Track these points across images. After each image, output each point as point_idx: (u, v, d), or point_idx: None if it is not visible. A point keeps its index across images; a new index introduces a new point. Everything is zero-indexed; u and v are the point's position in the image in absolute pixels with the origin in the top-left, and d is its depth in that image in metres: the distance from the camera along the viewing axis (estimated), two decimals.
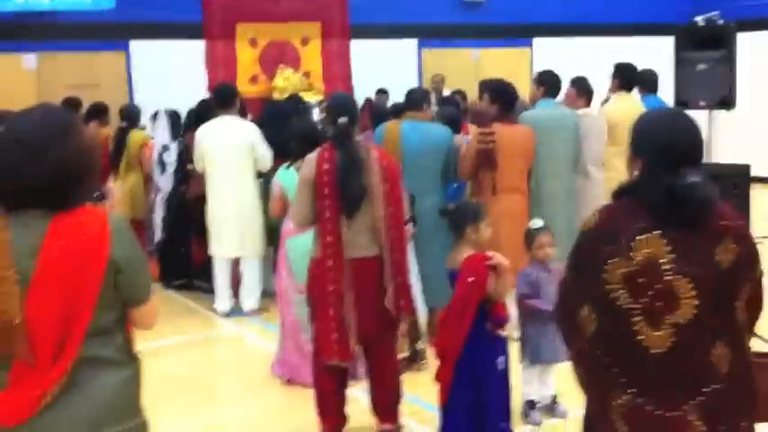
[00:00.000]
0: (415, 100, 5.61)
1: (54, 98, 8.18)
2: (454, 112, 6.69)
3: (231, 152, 6.21)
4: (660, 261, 2.08)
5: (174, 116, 7.21)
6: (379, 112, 6.85)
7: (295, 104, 7.48)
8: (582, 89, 6.23)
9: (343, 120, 3.97)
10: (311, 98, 9.23)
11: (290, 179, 4.74)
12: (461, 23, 11.50)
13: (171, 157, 6.92)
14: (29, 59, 8.73)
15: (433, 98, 9.90)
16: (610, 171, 6.11)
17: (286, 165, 4.98)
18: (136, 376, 2.21)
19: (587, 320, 2.17)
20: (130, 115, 7.80)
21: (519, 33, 12.00)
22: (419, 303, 4.87)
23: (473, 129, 6.97)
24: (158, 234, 7.11)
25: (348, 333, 3.92)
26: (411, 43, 11.29)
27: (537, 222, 4.48)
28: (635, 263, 2.09)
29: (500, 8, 11.60)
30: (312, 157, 3.99)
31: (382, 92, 10.24)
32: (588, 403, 2.28)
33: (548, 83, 6.00)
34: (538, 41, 12.26)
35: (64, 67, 8.89)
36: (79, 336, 2.03)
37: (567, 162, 5.90)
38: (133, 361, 2.22)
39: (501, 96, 5.63)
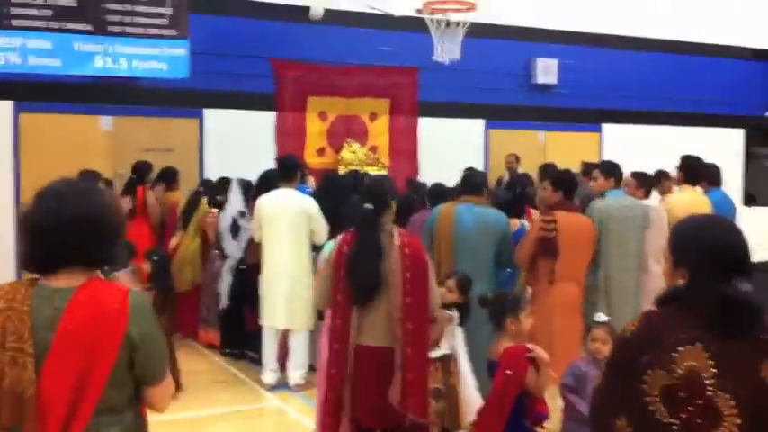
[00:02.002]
0: (474, 184, 5.58)
1: (128, 160, 8.49)
2: (509, 196, 6.64)
3: (287, 223, 6.26)
4: (702, 375, 1.99)
5: (246, 185, 7.29)
6: (438, 191, 6.80)
7: (353, 179, 7.50)
8: (643, 181, 6.12)
9: (367, 206, 3.95)
10: (377, 173, 9.28)
11: None
12: (530, 105, 11.47)
13: (248, 224, 6.92)
14: (105, 121, 9.03)
15: (505, 177, 9.93)
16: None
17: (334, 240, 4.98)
18: None
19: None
20: (208, 184, 8.02)
21: (588, 118, 11.91)
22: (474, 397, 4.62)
23: (535, 214, 6.90)
24: (224, 302, 7.11)
25: (341, 418, 3.81)
26: (478, 123, 11.31)
27: (600, 316, 4.35)
28: (676, 375, 1.99)
29: (571, 91, 11.55)
30: (339, 238, 3.98)
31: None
32: None
33: (617, 175, 5.93)
34: (607, 127, 12.14)
35: (139, 130, 9.17)
36: (87, 412, 2.03)
37: (636, 254, 5.77)
38: None
39: (563, 184, 5.55)
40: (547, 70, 11.37)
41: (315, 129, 10.24)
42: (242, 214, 7.03)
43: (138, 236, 7.35)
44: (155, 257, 6.20)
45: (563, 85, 11.50)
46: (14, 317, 2.04)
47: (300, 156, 9.88)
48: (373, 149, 10.42)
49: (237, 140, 9.43)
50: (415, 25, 9.80)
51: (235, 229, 7.03)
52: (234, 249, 7.07)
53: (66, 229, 2.09)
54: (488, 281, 5.21)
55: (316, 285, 4.39)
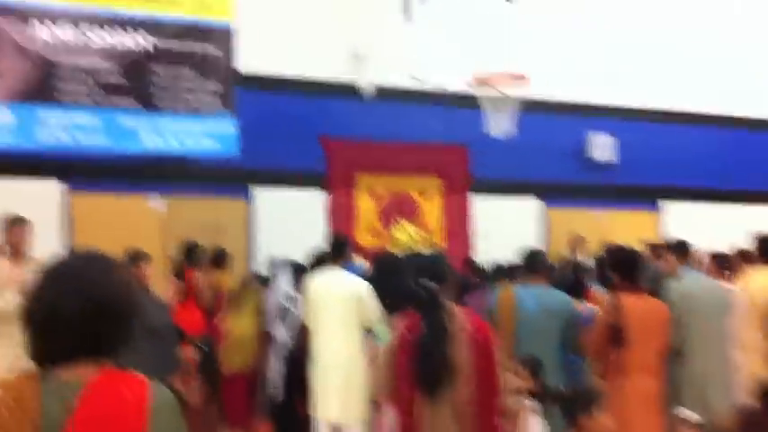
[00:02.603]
0: (536, 263, 5.24)
1: (177, 240, 8.31)
2: (572, 277, 6.26)
3: (336, 306, 5.93)
4: None
5: (298, 267, 7.01)
6: (494, 272, 6.47)
7: (407, 259, 7.15)
8: (723, 262, 5.70)
9: (430, 284, 3.60)
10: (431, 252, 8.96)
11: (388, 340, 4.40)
12: (587, 183, 11.15)
13: (298, 309, 6.63)
14: (155, 201, 8.92)
15: (568, 259, 9.47)
16: (749, 354, 5.45)
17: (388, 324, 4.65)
18: None
19: None
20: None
21: (647, 196, 11.53)
22: None
23: (600, 298, 6.51)
24: (272, 390, 6.74)
25: None
26: (534, 202, 11.00)
27: (685, 412, 3.93)
28: None
29: (629, 169, 11.22)
30: (398, 325, 3.64)
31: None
32: None
33: (686, 253, 5.52)
34: (667, 205, 11.73)
35: (188, 210, 9.03)
36: None
37: (721, 340, 5.32)
38: None
39: (622, 266, 5.12)
40: (603, 147, 11.06)
41: (366, 207, 10.03)
42: (290, 298, 6.73)
43: (188, 320, 7.08)
44: (202, 345, 5.92)
45: (620, 163, 11.18)
46: (25, 419, 1.76)
47: (352, 235, 9.67)
48: (425, 229, 10.15)
49: (287, 219, 9.25)
50: (465, 101, 9.67)
51: (283, 313, 6.73)
52: (282, 335, 6.75)
53: (72, 321, 1.84)
54: (556, 369, 4.82)
55: (373, 376, 4.01)
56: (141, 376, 1.90)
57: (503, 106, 8.81)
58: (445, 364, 3.42)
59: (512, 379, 4.42)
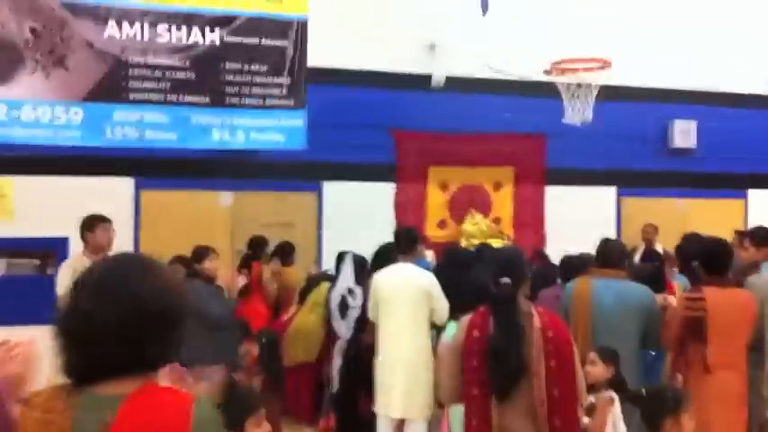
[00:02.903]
0: (613, 255, 4.98)
1: (246, 235, 8.31)
2: (648, 268, 5.96)
3: (405, 302, 5.77)
4: None
5: (360, 261, 6.90)
6: (568, 265, 6.19)
7: (478, 253, 6.96)
8: None
9: (505, 280, 3.40)
10: (499, 246, 8.73)
11: None
12: (667, 171, 10.71)
13: (356, 302, 6.54)
14: (224, 197, 8.93)
15: (640, 250, 9.17)
16: None
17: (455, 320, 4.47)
18: None
19: None
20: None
21: (732, 183, 11.01)
22: None
23: (679, 290, 6.20)
24: (335, 386, 6.65)
25: None
26: (610, 191, 10.62)
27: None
28: None
29: (712, 156, 10.73)
30: (464, 320, 3.44)
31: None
32: None
33: None
34: (753, 193, 11.18)
35: (257, 204, 9.02)
36: None
37: None
38: None
39: (708, 256, 4.82)
40: (685, 133, 10.60)
41: (436, 200, 9.85)
42: (350, 291, 6.61)
43: (253, 314, 7.06)
44: (263, 339, 5.86)
45: (703, 149, 10.70)
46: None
47: (421, 228, 9.52)
48: (497, 221, 9.91)
49: (356, 213, 9.14)
50: (539, 90, 9.41)
51: (343, 307, 6.63)
52: (343, 329, 6.65)
53: (109, 335, 1.69)
54: (635, 367, 4.56)
55: (439, 376, 3.82)
56: (185, 392, 1.75)
57: (581, 94, 8.50)
58: (518, 365, 3.23)
59: (590, 371, 4.22)
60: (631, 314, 4.74)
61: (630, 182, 10.62)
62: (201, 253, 6.06)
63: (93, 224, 5.97)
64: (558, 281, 6.29)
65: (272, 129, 7.12)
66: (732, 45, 10.71)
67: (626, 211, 10.64)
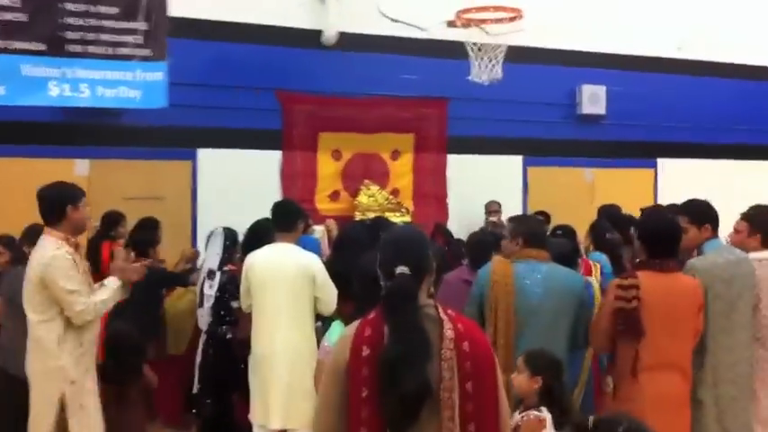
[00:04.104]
0: (536, 232, 4.16)
1: (105, 210, 7.13)
2: (568, 246, 5.16)
3: (282, 288, 4.83)
4: None
5: (230, 237, 5.87)
6: (483, 242, 5.32)
7: (376, 229, 6.00)
8: (759, 225, 4.57)
9: (402, 269, 2.46)
10: (397, 220, 7.88)
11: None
12: (575, 139, 10.10)
13: (212, 289, 5.51)
14: (81, 165, 7.73)
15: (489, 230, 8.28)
16: None
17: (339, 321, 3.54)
18: None
19: None
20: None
21: (641, 152, 10.50)
22: None
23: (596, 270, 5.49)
24: (195, 386, 5.60)
25: None
26: (515, 160, 9.92)
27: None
28: None
29: (621, 123, 10.17)
30: (348, 332, 2.48)
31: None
32: None
33: (713, 220, 4.38)
34: (663, 162, 10.72)
35: (120, 175, 7.85)
36: None
37: (748, 328, 4.24)
38: None
39: (653, 237, 3.99)
40: (594, 98, 9.97)
41: (327, 170, 8.90)
42: (210, 275, 5.59)
43: None
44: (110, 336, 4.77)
45: (613, 116, 10.11)
46: None
47: (311, 201, 8.59)
48: (395, 192, 9.05)
49: (238, 186, 8.13)
50: (442, 50, 8.63)
51: (203, 293, 5.60)
52: (203, 319, 5.62)
53: None
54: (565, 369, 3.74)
55: (314, 403, 2.75)
56: None
57: (489, 50, 7.68)
58: (422, 388, 2.29)
59: (516, 380, 3.42)
60: (563, 306, 3.94)
61: (536, 150, 9.95)
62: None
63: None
64: (465, 262, 5.45)
65: (125, 83, 5.93)
66: (643, 6, 10.20)
67: (531, 182, 9.98)
